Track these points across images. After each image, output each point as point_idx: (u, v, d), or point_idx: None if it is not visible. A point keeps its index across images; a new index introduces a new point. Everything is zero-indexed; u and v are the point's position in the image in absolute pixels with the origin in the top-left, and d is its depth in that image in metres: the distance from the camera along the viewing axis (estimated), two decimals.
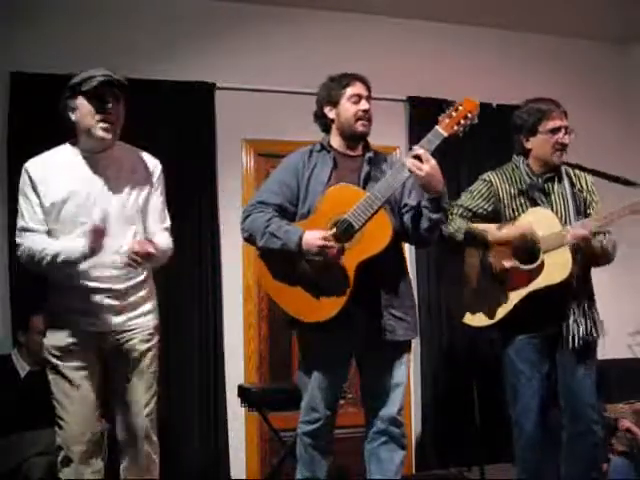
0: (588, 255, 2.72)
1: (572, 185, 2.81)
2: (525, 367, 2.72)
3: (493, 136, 4.33)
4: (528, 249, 2.71)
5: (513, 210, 2.80)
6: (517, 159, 2.87)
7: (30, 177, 2.46)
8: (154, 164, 2.63)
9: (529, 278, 2.69)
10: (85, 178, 2.47)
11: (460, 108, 2.52)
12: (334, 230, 2.49)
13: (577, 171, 2.86)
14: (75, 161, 2.49)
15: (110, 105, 2.43)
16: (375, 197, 2.48)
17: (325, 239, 2.45)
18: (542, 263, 2.67)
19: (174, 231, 2.74)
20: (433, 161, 2.44)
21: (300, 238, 2.49)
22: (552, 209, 2.75)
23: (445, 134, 2.49)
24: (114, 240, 2.43)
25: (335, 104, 2.68)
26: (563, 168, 2.83)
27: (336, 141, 2.72)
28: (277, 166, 2.83)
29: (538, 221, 2.70)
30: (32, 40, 4.03)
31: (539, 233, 2.68)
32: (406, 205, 2.64)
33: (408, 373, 2.72)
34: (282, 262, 2.58)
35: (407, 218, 2.63)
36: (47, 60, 4.01)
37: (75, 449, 2.41)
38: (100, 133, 2.42)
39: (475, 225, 2.83)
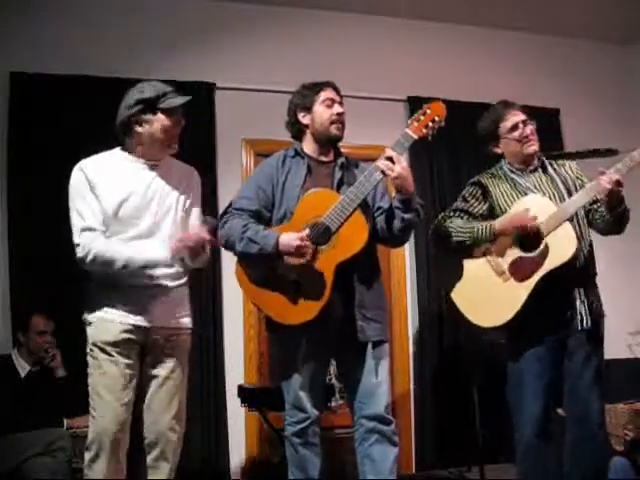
0: (615, 205, 2.65)
1: (557, 174, 2.83)
2: (530, 375, 2.69)
3: None
4: (529, 237, 2.68)
5: (507, 207, 2.79)
6: (499, 163, 2.91)
7: (87, 178, 2.49)
8: (193, 172, 2.74)
9: (536, 265, 2.65)
10: (141, 183, 2.54)
11: (428, 111, 2.59)
12: (308, 231, 2.54)
13: (559, 161, 2.88)
14: (130, 166, 2.56)
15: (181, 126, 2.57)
16: (350, 199, 2.53)
17: (301, 239, 2.50)
18: (546, 247, 2.64)
19: None
20: (404, 162, 2.54)
21: (277, 240, 2.54)
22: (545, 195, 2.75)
23: (415, 137, 2.57)
24: (166, 240, 2.53)
25: (309, 109, 2.74)
26: (544, 159, 2.85)
27: (309, 147, 2.78)
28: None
29: (533, 207, 2.67)
30: (32, 40, 4.03)
31: (538, 219, 2.65)
32: (379, 208, 2.71)
33: (390, 372, 2.73)
34: (261, 267, 2.62)
35: (380, 220, 2.69)
36: (47, 60, 4.02)
37: (107, 440, 2.41)
38: (171, 151, 2.60)
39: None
